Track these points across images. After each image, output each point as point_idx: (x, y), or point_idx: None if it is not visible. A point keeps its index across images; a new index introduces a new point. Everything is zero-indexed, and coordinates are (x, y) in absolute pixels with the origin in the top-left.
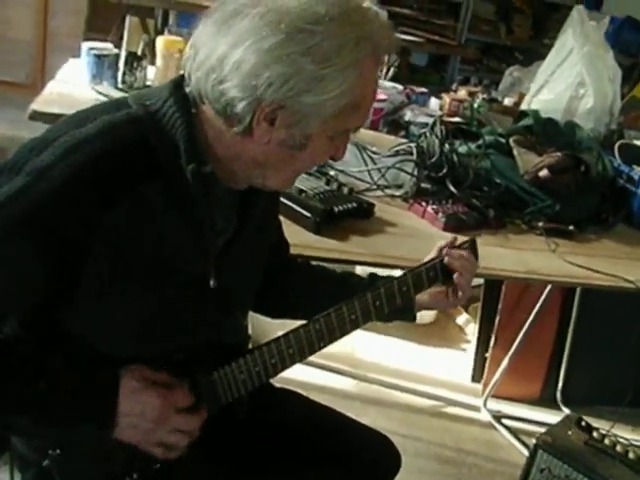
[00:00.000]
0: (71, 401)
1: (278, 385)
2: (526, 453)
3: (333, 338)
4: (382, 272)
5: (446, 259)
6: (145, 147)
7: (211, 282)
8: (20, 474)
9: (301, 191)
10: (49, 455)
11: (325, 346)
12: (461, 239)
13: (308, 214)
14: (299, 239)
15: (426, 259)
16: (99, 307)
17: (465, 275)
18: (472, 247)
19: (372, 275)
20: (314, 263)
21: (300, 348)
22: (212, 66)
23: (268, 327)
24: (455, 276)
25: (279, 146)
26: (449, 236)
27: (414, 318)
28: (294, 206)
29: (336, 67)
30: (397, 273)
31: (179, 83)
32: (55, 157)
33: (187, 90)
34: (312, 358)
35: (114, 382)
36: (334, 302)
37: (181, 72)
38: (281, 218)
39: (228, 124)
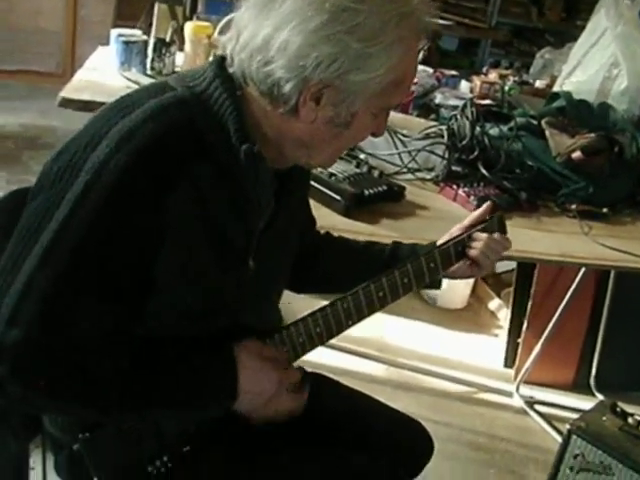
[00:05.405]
0: (196, 385)
1: (309, 369)
2: (559, 439)
3: (361, 316)
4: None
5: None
6: (193, 129)
7: (250, 263)
8: (53, 456)
9: (331, 174)
10: (79, 439)
11: (353, 324)
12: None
13: (338, 197)
14: (329, 222)
15: (454, 232)
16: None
17: (491, 256)
18: (499, 223)
19: (395, 243)
20: (336, 234)
21: (328, 327)
22: (257, 47)
23: (296, 308)
24: (477, 255)
25: (325, 124)
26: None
27: (439, 285)
28: (324, 189)
29: (381, 45)
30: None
31: (222, 64)
32: (110, 149)
33: (231, 71)
34: (342, 343)
35: (232, 362)
36: (360, 271)
37: (219, 53)
38: (311, 201)
39: (273, 105)
